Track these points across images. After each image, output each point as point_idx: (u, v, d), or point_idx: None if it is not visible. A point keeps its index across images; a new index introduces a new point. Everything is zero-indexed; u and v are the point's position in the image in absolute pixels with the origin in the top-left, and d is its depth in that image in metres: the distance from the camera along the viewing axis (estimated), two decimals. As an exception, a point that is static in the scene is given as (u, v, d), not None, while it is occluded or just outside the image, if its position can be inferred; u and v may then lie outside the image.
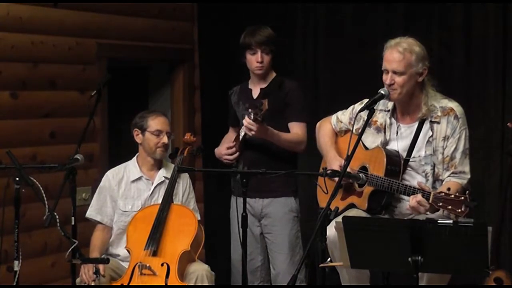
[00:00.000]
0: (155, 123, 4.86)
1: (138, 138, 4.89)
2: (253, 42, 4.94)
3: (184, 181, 4.96)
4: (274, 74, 5.07)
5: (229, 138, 5.23)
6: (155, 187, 4.89)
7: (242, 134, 4.98)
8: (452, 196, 3.90)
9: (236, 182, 4.99)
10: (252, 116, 4.70)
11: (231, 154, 5.08)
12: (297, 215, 5.04)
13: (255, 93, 5.08)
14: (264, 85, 5.05)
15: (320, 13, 6.14)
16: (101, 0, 5.76)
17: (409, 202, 4.16)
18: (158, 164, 4.93)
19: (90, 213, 4.89)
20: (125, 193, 4.87)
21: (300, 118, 4.99)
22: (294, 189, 5.05)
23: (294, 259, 4.99)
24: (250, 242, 4.95)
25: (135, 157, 4.96)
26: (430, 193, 4.01)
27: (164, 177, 4.91)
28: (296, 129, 4.97)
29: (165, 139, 4.86)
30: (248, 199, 4.90)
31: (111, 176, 4.92)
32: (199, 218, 4.88)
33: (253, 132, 4.77)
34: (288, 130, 4.98)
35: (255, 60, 4.96)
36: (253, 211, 5.03)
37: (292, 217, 5.02)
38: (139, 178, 4.90)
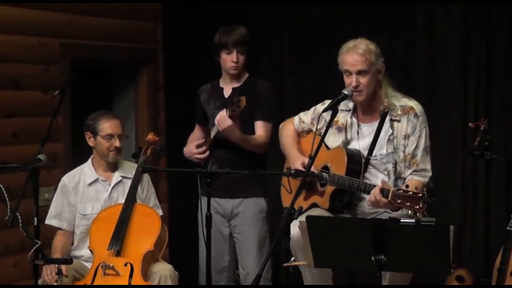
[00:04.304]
0: (106, 126, 4.78)
1: (91, 141, 4.83)
2: (229, 42, 4.87)
3: (143, 179, 4.92)
4: (247, 74, 5.02)
5: (195, 136, 5.18)
6: (113, 187, 4.85)
7: (213, 133, 4.93)
8: (410, 193, 3.93)
9: (203, 182, 4.95)
10: (228, 112, 4.68)
11: (201, 153, 5.04)
12: (266, 215, 5.01)
13: (227, 92, 5.02)
14: (236, 85, 4.99)
15: (285, 14, 6.17)
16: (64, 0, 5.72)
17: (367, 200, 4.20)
18: (113, 165, 4.88)
19: (49, 219, 4.83)
20: (83, 196, 4.83)
21: (268, 118, 4.93)
22: (264, 189, 5.00)
23: (262, 259, 4.93)
24: (218, 242, 4.96)
25: (90, 160, 4.91)
26: (389, 190, 4.04)
27: (122, 176, 4.87)
28: (261, 130, 4.91)
29: (117, 143, 4.80)
30: (218, 199, 4.91)
31: (67, 181, 4.87)
32: (161, 214, 4.87)
33: (223, 128, 4.73)
34: (253, 129, 4.95)
35: (230, 60, 4.90)
36: (223, 211, 4.99)
37: (261, 217, 4.98)
38: (96, 180, 4.85)
